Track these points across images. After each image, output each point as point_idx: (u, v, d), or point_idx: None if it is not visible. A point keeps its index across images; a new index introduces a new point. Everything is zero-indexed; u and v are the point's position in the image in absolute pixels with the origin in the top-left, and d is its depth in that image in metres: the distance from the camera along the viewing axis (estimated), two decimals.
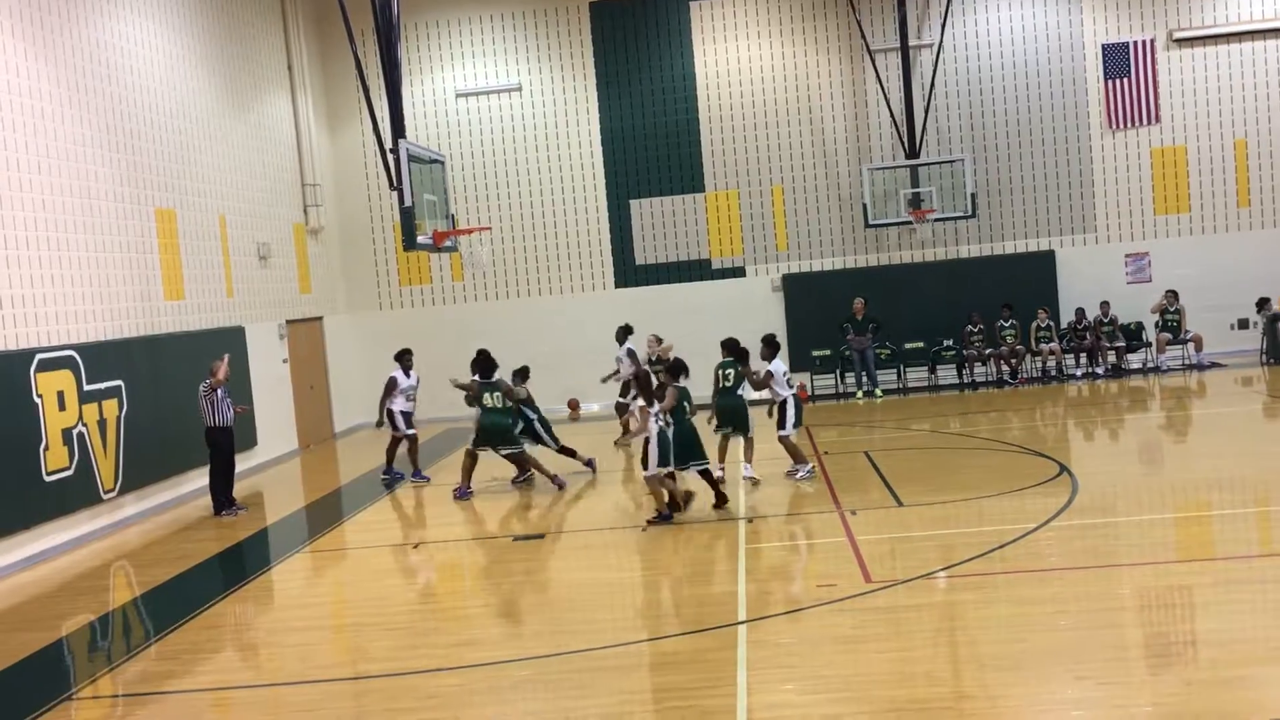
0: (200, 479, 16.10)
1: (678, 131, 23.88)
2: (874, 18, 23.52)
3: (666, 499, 12.33)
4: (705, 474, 12.88)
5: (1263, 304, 22.53)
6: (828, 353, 22.92)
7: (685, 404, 12.79)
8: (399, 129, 15.15)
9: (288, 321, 21.03)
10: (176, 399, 15.88)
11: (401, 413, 16.40)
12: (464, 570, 11.72)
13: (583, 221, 24.11)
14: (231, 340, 18.03)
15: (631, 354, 17.67)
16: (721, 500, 12.78)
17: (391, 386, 16.40)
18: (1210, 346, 22.52)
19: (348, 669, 8.63)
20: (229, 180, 19.22)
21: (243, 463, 16.77)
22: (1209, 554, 10.25)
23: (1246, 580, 9.13)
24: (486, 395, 14.78)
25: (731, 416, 14.05)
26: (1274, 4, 22.96)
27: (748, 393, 14.28)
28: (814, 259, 23.90)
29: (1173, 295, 22.42)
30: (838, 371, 22.84)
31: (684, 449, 12.65)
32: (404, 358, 16.68)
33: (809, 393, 22.29)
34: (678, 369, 13.06)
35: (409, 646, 8.92)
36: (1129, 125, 23.31)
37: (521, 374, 15.85)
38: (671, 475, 12.69)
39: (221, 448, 14.93)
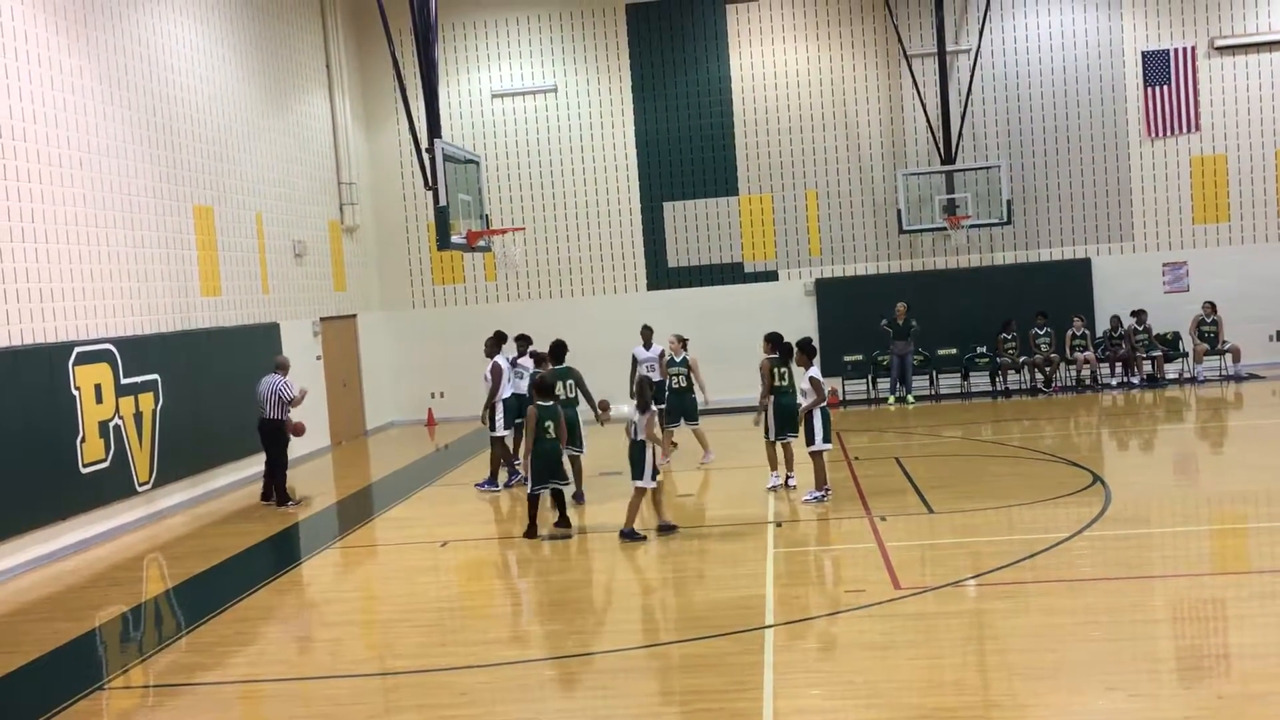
0: (233, 473, 16.52)
1: (712, 134, 23.88)
2: (911, 22, 23.43)
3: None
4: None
5: None
6: (859, 358, 22.83)
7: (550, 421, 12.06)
8: (435, 129, 15.24)
9: (322, 319, 21.18)
10: (212, 393, 16.05)
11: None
12: (492, 569, 11.75)
13: (616, 223, 24.14)
14: (266, 336, 18.20)
15: (662, 356, 17.28)
16: (532, 533, 12.22)
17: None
18: (1249, 357, 22.27)
19: (377, 665, 8.67)
20: (266, 178, 19.39)
21: None
22: (1244, 567, 10.12)
23: None
24: (560, 385, 13.38)
25: (794, 420, 13.30)
26: None
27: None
28: (847, 264, 23.82)
29: (1210, 306, 22.19)
30: (869, 377, 22.75)
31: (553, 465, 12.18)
32: (524, 345, 15.63)
33: (839, 398, 22.23)
34: (545, 388, 12.24)
35: (438, 644, 8.96)
36: (1169, 133, 23.09)
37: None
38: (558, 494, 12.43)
39: (267, 438, 15.12)
